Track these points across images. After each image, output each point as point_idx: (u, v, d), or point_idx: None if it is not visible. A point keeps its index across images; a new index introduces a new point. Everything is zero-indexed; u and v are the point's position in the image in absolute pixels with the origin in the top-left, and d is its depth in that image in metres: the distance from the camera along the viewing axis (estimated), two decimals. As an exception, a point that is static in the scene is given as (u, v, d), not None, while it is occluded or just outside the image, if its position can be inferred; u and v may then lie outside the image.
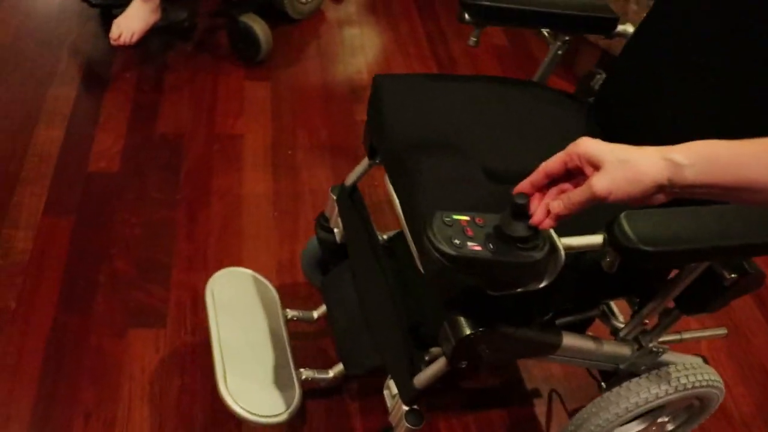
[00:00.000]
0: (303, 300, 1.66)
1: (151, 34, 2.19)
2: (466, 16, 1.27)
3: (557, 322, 1.14)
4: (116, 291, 1.63)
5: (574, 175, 0.81)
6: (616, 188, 0.74)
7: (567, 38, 1.36)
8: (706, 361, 1.29)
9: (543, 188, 0.83)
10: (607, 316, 1.28)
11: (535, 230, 0.81)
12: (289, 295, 1.65)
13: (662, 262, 0.93)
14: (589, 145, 0.77)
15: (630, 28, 1.34)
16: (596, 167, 0.76)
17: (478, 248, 0.81)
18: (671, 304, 1.13)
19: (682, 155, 0.73)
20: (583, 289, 1.08)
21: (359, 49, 2.52)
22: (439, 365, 1.10)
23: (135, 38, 2.12)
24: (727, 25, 1.17)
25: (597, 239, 0.87)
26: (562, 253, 0.85)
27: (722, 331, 1.41)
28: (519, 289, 0.90)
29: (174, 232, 1.78)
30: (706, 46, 1.19)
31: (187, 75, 2.27)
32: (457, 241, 0.81)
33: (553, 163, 0.81)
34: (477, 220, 0.84)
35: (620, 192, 0.75)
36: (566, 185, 0.82)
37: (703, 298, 1.08)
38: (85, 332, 1.55)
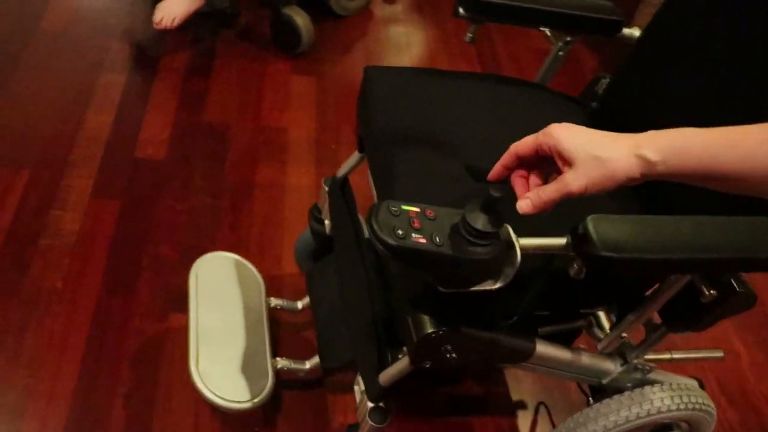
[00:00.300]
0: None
1: (195, 20, 2.22)
2: (461, 10, 1.23)
3: (541, 330, 1.10)
4: (159, 275, 1.66)
5: (544, 157, 0.82)
6: (591, 185, 0.76)
7: (569, 39, 1.31)
8: (701, 384, 1.24)
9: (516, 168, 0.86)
10: (593, 327, 1.23)
11: (497, 227, 0.78)
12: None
13: (628, 270, 0.88)
14: (560, 139, 0.78)
15: (636, 32, 1.29)
16: (567, 162, 0.77)
17: (423, 241, 0.78)
18: (658, 320, 1.08)
19: (653, 151, 0.75)
20: (555, 295, 1.05)
21: (405, 47, 2.53)
22: (403, 364, 1.08)
23: (176, 23, 2.16)
24: (738, 27, 1.12)
25: (559, 241, 0.83)
26: (518, 252, 0.80)
27: (718, 353, 1.36)
28: (472, 288, 0.86)
29: (218, 220, 1.80)
30: (716, 50, 1.14)
31: (235, 66, 2.29)
32: (400, 232, 0.78)
33: (524, 146, 0.82)
34: (428, 212, 0.81)
35: (595, 188, 0.77)
36: (536, 179, 0.85)
37: (686, 315, 1.03)
38: (127, 314, 1.57)
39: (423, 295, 0.98)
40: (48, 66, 2.16)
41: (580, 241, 0.80)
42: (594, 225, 0.79)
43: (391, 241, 0.78)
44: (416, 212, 0.81)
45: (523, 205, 0.80)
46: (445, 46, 2.57)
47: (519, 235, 0.81)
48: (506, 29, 2.64)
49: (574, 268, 0.83)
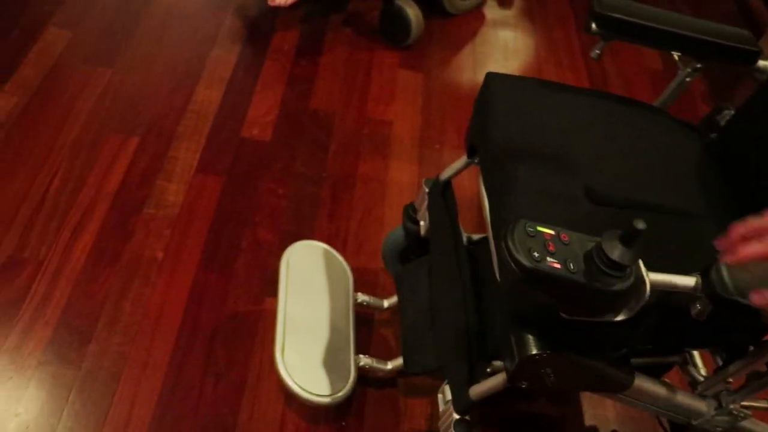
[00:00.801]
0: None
1: (306, 2, 2.23)
2: (594, 26, 1.20)
3: (633, 361, 1.07)
4: (257, 257, 1.66)
5: None
6: None
7: (699, 65, 1.26)
8: None
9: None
10: (688, 364, 1.20)
11: (634, 261, 0.76)
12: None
13: (758, 319, 0.86)
14: None
15: None
16: None
17: (557, 266, 0.77)
18: (763, 368, 1.04)
19: None
20: (666, 332, 1.01)
21: (513, 52, 2.49)
22: (498, 380, 1.06)
23: (289, 1, 2.15)
24: None
25: (689, 281, 0.81)
26: (648, 288, 0.79)
27: None
28: (594, 318, 0.85)
29: (317, 208, 1.79)
30: None
31: (343, 52, 2.28)
32: (536, 254, 0.77)
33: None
34: (562, 236, 0.80)
35: None
36: None
37: None
38: (223, 293, 1.57)
39: (529, 314, 0.96)
40: (161, 37, 2.18)
41: (712, 282, 0.78)
42: (728, 267, 0.77)
43: (526, 262, 0.77)
44: (551, 235, 0.80)
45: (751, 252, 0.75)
46: (554, 54, 2.51)
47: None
48: (616, 45, 2.57)
49: (698, 309, 0.81)
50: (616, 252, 0.75)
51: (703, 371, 1.20)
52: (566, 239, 0.80)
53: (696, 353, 1.24)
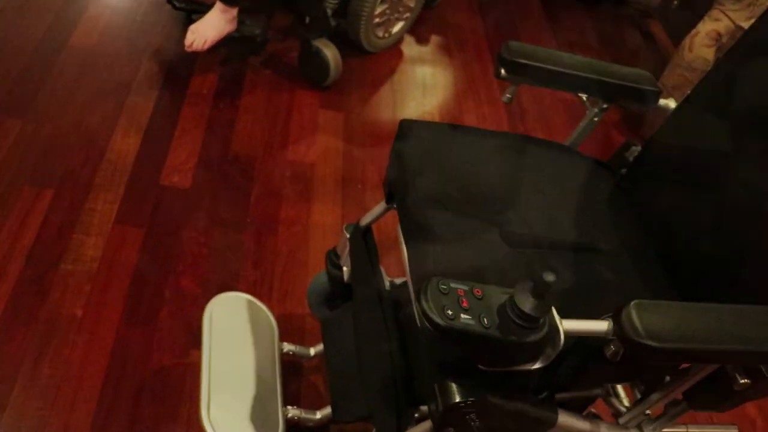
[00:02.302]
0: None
1: (224, 44, 2.22)
2: (502, 71, 1.25)
3: (557, 396, 1.10)
4: (181, 309, 1.63)
5: None
6: None
7: (605, 105, 1.32)
8: None
9: None
10: (611, 396, 1.23)
11: (545, 312, 0.78)
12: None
13: (670, 358, 0.89)
14: None
15: (672, 104, 1.30)
16: None
17: (471, 321, 0.79)
18: (679, 396, 1.08)
19: None
20: (584, 371, 1.03)
21: (431, 88, 2.53)
22: (424, 427, 1.07)
23: (207, 45, 2.16)
24: None
25: (602, 326, 0.83)
26: (562, 336, 0.81)
27: (733, 429, 1.37)
28: (511, 368, 0.87)
29: (241, 255, 1.78)
30: (753, 131, 1.14)
31: (262, 95, 2.28)
32: (449, 312, 0.78)
33: None
34: (476, 291, 0.82)
35: None
36: None
37: (712, 396, 1.03)
38: (147, 348, 1.54)
39: (451, 363, 0.97)
40: (76, 83, 2.14)
41: (623, 327, 0.80)
42: (638, 311, 0.79)
43: (440, 321, 0.78)
44: (464, 291, 0.82)
45: None
46: (472, 89, 2.56)
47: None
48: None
49: (611, 350, 0.83)
50: (528, 305, 0.77)
51: (625, 402, 1.23)
52: (479, 294, 0.81)
53: (619, 386, 1.28)
